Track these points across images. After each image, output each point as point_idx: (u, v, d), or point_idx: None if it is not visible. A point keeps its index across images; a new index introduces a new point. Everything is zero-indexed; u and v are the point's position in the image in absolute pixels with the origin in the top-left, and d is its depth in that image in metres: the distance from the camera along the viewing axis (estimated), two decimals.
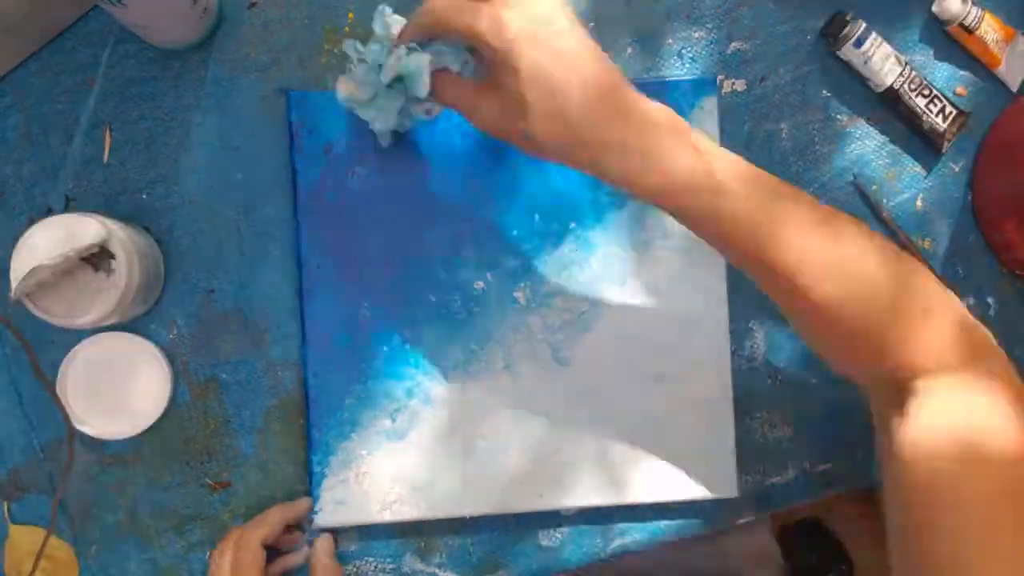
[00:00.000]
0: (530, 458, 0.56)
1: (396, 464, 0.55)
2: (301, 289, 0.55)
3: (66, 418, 0.49)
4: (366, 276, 0.55)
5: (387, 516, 0.55)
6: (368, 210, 0.55)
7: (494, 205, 0.55)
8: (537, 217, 0.56)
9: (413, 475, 0.55)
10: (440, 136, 0.55)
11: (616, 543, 0.59)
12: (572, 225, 0.56)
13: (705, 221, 0.43)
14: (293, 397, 0.56)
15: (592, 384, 0.56)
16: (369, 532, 0.57)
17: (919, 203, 0.61)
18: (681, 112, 0.56)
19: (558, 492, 0.56)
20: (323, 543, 0.55)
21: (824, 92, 0.59)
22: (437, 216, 0.55)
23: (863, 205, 0.60)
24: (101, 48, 0.55)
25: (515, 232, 0.56)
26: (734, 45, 0.59)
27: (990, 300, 0.61)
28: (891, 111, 0.59)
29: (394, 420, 0.55)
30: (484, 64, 0.44)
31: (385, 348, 0.55)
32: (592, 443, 0.56)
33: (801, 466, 0.60)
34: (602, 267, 0.56)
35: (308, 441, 0.55)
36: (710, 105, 0.56)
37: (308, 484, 0.56)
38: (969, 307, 0.61)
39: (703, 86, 0.57)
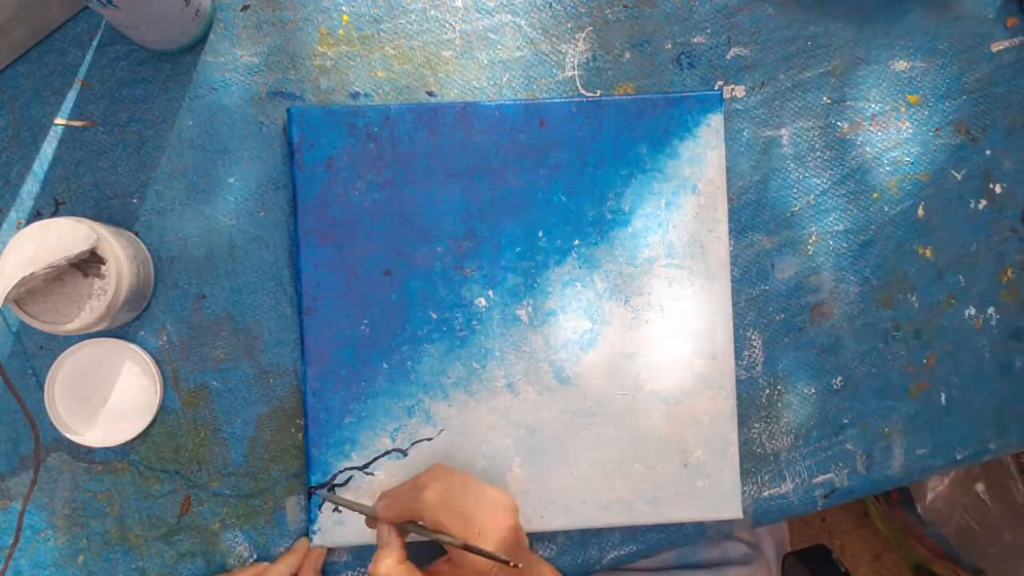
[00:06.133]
0: (531, 478, 0.55)
1: (396, 483, 0.54)
2: (300, 306, 0.54)
3: (34, 426, 0.48)
4: (367, 293, 0.54)
5: None
6: (369, 226, 0.54)
7: (497, 222, 0.55)
8: (540, 234, 0.55)
9: None
10: (443, 151, 0.54)
11: (612, 555, 0.58)
12: (576, 242, 0.55)
13: None
14: (285, 405, 0.55)
15: (594, 403, 0.55)
16: None
17: (921, 211, 0.60)
18: (687, 128, 0.56)
19: (560, 513, 0.55)
20: (315, 555, 0.54)
21: (824, 98, 0.59)
22: (439, 233, 0.54)
23: (862, 210, 0.59)
24: (91, 50, 0.54)
25: (518, 249, 0.55)
26: (733, 51, 0.58)
27: (991, 310, 0.61)
28: None
29: (394, 439, 0.54)
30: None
31: (385, 366, 0.54)
32: (594, 463, 0.55)
33: (800, 477, 0.59)
34: (605, 285, 0.55)
35: (307, 460, 0.54)
36: (716, 121, 0.56)
37: (306, 503, 0.55)
38: (969, 317, 0.60)
39: (710, 102, 0.56)
